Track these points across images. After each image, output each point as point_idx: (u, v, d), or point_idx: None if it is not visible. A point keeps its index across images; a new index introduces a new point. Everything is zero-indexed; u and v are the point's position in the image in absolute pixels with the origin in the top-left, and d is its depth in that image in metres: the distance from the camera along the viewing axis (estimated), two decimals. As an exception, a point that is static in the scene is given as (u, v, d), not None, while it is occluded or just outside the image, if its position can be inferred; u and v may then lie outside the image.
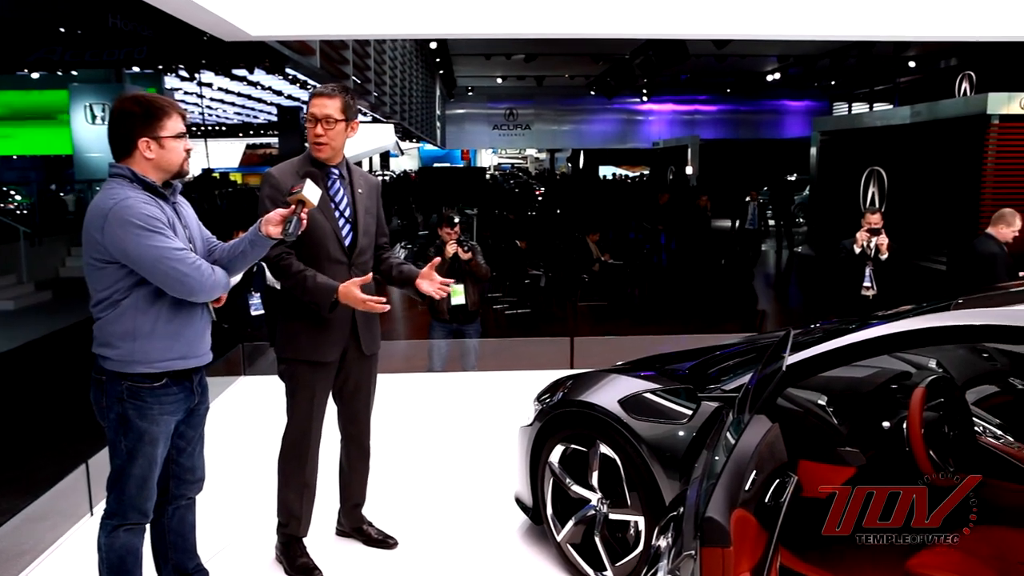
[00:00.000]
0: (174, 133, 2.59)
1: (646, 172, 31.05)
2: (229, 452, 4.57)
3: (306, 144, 3.19)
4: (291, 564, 3.32)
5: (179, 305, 2.63)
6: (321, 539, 3.53)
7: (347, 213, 3.19)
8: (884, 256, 6.61)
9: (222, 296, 2.75)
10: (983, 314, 2.41)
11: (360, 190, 3.24)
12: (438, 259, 3.33)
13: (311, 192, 2.75)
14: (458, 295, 6.04)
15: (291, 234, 2.71)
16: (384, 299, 3.05)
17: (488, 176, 32.18)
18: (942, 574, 2.43)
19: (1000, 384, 3.55)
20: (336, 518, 3.64)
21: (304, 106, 3.82)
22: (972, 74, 18.05)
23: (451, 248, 5.88)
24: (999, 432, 3.09)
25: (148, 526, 2.80)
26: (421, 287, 3.23)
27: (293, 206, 2.72)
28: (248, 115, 31.45)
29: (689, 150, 23.92)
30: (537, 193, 24.15)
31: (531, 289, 11.17)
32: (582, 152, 33.64)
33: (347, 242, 3.19)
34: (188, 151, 2.67)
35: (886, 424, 2.84)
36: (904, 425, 2.77)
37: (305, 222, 2.75)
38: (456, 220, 6.01)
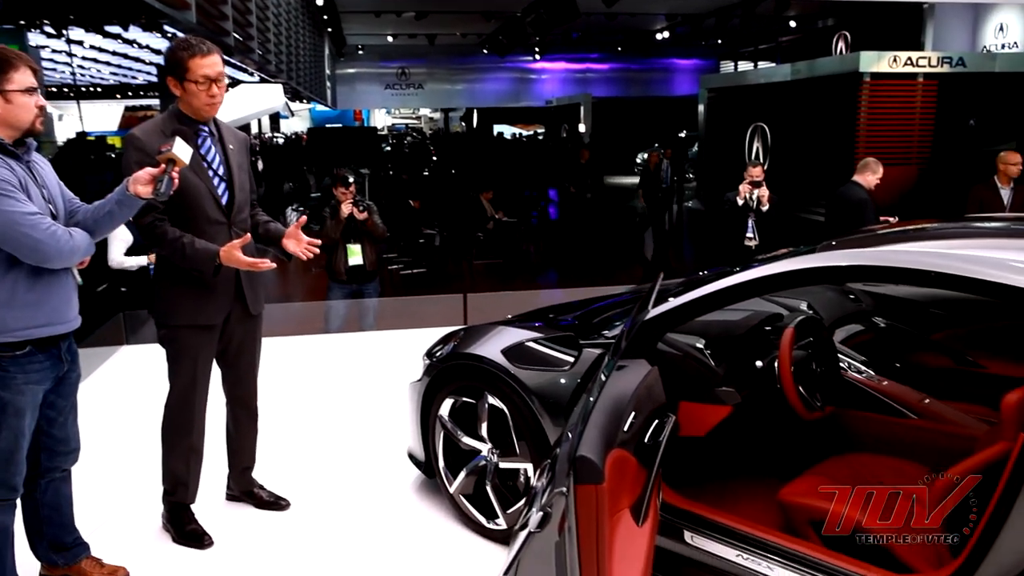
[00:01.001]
0: (23, 87, 2.43)
1: (540, 130, 31.13)
2: (111, 423, 4.41)
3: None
4: (179, 532, 3.25)
5: (39, 271, 2.49)
6: (210, 505, 3.46)
7: (221, 171, 3.08)
8: (765, 207, 6.87)
9: (85, 259, 2.63)
10: (844, 255, 2.52)
11: (231, 146, 3.13)
12: (303, 218, 3.25)
13: (182, 151, 2.65)
14: (355, 255, 5.96)
15: (163, 194, 2.60)
16: (268, 259, 2.99)
17: (382, 133, 31.60)
18: (810, 500, 2.57)
19: (865, 323, 3.77)
20: (225, 483, 3.57)
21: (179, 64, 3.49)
22: (847, 34, 18.80)
23: (346, 208, 5.77)
24: (862, 367, 3.29)
25: (19, 502, 2.68)
26: (287, 247, 3.17)
27: (163, 165, 2.61)
28: (126, 75, 29.83)
29: (582, 108, 24.10)
30: (431, 153, 23.92)
31: (426, 248, 11.12)
32: (475, 111, 33.42)
33: (224, 200, 3.08)
34: (41, 108, 2.51)
35: (759, 363, 2.98)
36: (776, 364, 2.91)
37: (177, 182, 2.65)
38: (351, 180, 5.90)
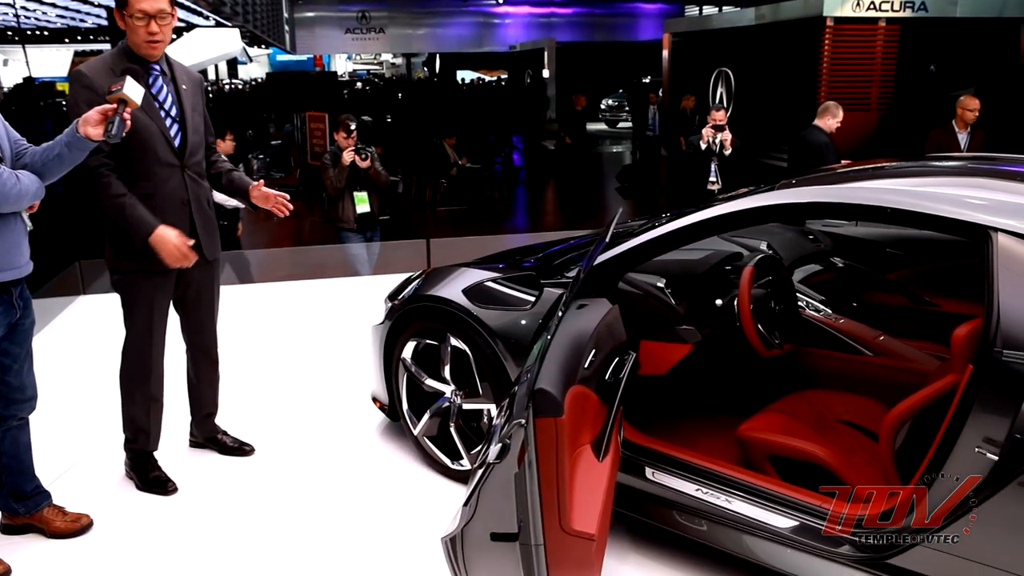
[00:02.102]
0: None
1: (504, 76, 30.73)
2: (70, 372, 4.36)
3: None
4: (143, 479, 3.23)
5: None
6: (174, 451, 3.44)
7: (173, 112, 2.99)
8: (728, 152, 6.90)
9: (35, 203, 2.55)
10: (803, 192, 2.54)
11: (184, 86, 3.03)
12: (262, 181, 3.21)
13: (132, 90, 2.56)
14: (363, 203, 5.87)
15: (114, 136, 2.53)
16: (194, 254, 2.93)
17: (343, 79, 30.91)
18: (768, 435, 2.63)
19: (823, 263, 3.83)
20: (189, 430, 3.55)
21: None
22: (812, -24, 18.68)
23: (348, 156, 5.63)
24: (820, 306, 3.35)
25: (-24, 450, 2.65)
26: (258, 202, 3.18)
27: (114, 106, 2.53)
28: (74, 18, 28.82)
29: (546, 53, 23.79)
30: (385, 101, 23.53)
31: (389, 195, 11.01)
32: (438, 56, 32.85)
33: (176, 142, 2.99)
34: None
35: (719, 302, 3.01)
36: (735, 303, 2.94)
37: (129, 123, 2.57)
38: (353, 127, 5.72)
